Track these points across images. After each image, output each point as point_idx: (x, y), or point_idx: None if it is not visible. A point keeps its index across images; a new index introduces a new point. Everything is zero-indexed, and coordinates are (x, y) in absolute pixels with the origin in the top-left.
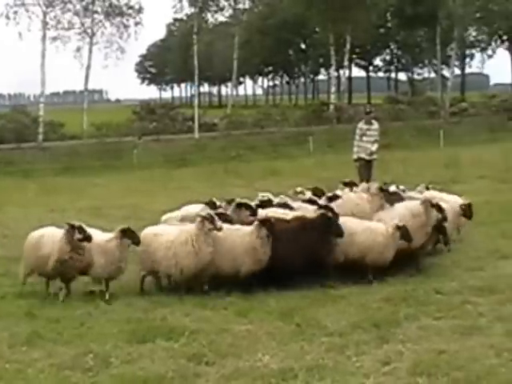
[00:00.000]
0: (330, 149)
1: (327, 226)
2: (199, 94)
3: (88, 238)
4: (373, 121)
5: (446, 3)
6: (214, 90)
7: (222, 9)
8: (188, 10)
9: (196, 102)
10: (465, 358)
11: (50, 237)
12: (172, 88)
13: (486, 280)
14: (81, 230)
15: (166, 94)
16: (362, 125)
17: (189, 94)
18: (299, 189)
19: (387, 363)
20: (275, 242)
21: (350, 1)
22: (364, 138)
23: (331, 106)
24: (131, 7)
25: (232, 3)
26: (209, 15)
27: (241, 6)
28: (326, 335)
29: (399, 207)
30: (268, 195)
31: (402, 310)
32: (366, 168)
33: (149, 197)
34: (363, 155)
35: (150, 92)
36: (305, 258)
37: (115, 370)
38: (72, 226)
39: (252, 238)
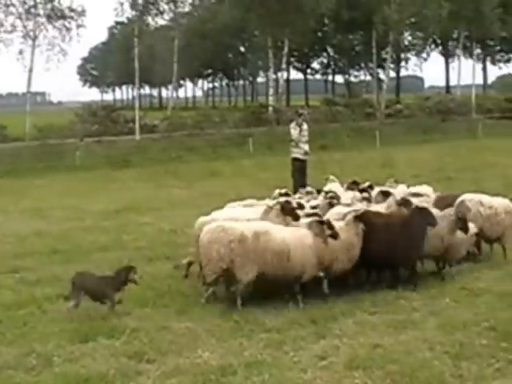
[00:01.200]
0: (269, 150)
1: (424, 219)
2: (140, 96)
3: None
4: (303, 122)
5: (382, 8)
6: (155, 92)
7: (162, 12)
8: (129, 13)
9: (137, 104)
10: (399, 351)
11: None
12: (114, 90)
13: (419, 276)
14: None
15: (108, 97)
16: (293, 125)
17: (130, 97)
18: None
19: (324, 358)
20: (375, 237)
21: (288, 5)
22: (301, 139)
23: (270, 108)
24: (73, 10)
25: (172, 7)
26: (149, 18)
27: (181, 9)
28: (265, 331)
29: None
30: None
31: (338, 306)
32: (302, 168)
33: (90, 198)
34: (299, 156)
35: (92, 94)
36: (402, 254)
37: (58, 369)
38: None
39: (350, 234)
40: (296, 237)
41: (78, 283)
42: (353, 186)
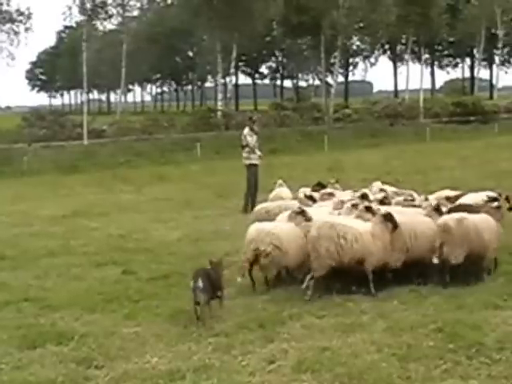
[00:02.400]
0: (217, 155)
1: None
2: (88, 100)
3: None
4: (255, 127)
5: (330, 13)
6: (104, 96)
7: (110, 16)
8: (77, 17)
9: (85, 108)
10: (347, 354)
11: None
12: (62, 95)
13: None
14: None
15: (57, 101)
16: (247, 131)
17: (79, 101)
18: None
19: (272, 361)
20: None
21: (237, 10)
22: (254, 144)
23: (218, 113)
24: (21, 13)
25: (121, 11)
26: (98, 23)
27: (129, 13)
28: (213, 336)
29: None
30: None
31: (287, 310)
32: (256, 173)
33: (38, 203)
34: (256, 161)
35: (41, 99)
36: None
37: (6, 377)
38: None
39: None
40: None
41: None
42: (316, 187)
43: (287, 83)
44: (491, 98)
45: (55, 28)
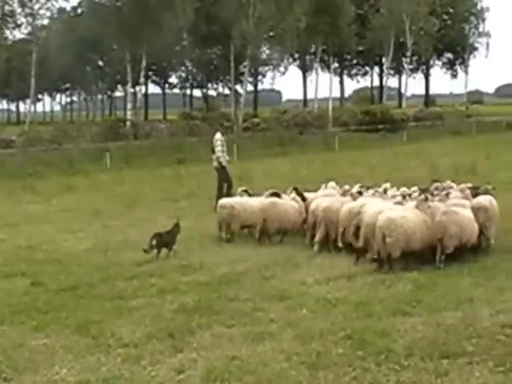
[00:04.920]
0: (126, 165)
1: None
2: None
3: None
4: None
5: (240, 22)
6: (13, 106)
7: (19, 25)
8: None
9: None
10: (256, 362)
11: None
12: None
13: (277, 287)
14: None
15: None
16: (220, 136)
17: None
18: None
19: (181, 371)
20: None
21: (146, 19)
22: (224, 148)
23: (128, 123)
24: None
25: (30, 20)
26: (7, 32)
27: (39, 22)
28: (122, 346)
29: None
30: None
31: (196, 320)
32: (227, 172)
33: None
34: (224, 163)
35: None
36: None
37: None
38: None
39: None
40: None
41: None
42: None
43: (197, 93)
44: (400, 106)
45: None
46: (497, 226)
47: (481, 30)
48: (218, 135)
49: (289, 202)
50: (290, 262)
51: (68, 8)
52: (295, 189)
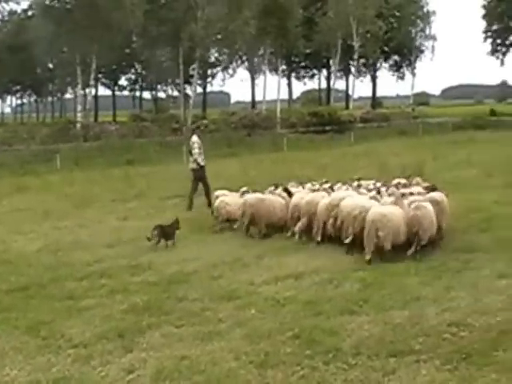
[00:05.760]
0: (77, 166)
1: None
2: None
3: None
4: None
5: (189, 25)
6: None
7: None
8: None
9: None
10: (206, 362)
11: None
12: None
13: (226, 287)
14: None
15: None
16: (196, 138)
17: None
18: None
19: (131, 371)
20: None
21: (96, 21)
22: (201, 150)
23: (78, 124)
24: None
25: None
26: None
27: None
28: (72, 347)
29: None
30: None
31: (145, 320)
32: (205, 173)
33: None
34: (202, 163)
35: None
36: None
37: None
38: None
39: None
40: None
41: None
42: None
43: (146, 95)
44: (347, 107)
45: None
46: (448, 222)
47: (427, 33)
48: (195, 138)
49: (277, 198)
50: (239, 262)
51: (19, 10)
52: (284, 188)
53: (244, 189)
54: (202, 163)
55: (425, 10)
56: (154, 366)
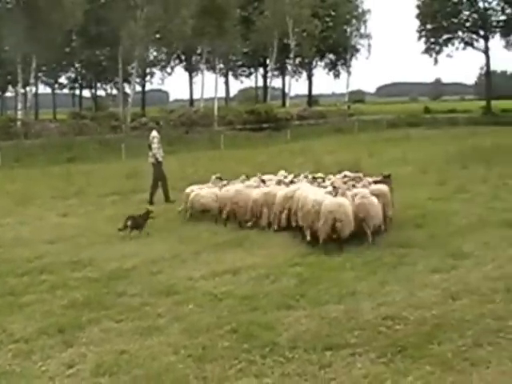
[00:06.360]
0: (17, 163)
1: None
2: None
3: None
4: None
5: (128, 24)
6: None
7: None
8: None
9: None
10: (145, 356)
11: None
12: None
13: (165, 282)
14: None
15: None
16: (156, 134)
17: None
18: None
19: (71, 366)
20: None
21: (35, 21)
22: (160, 145)
23: (18, 122)
24: None
25: None
26: None
27: None
28: (13, 342)
29: None
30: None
31: (85, 315)
32: (161, 167)
33: None
34: (161, 158)
35: None
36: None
37: None
38: None
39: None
40: None
41: None
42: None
43: (86, 93)
44: (284, 105)
45: None
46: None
47: (362, 31)
48: (155, 133)
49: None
50: (177, 258)
51: None
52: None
53: (215, 177)
54: (160, 158)
55: (360, 9)
56: (93, 360)
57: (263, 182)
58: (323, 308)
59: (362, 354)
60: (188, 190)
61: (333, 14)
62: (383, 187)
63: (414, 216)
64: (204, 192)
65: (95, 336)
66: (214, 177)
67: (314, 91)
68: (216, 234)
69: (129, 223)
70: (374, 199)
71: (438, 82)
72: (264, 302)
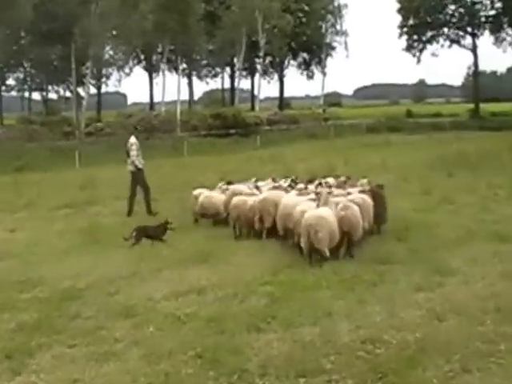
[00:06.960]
0: None
1: None
2: None
3: None
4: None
5: (81, 19)
6: None
7: None
8: None
9: None
10: None
11: None
12: None
13: (122, 303)
14: None
15: None
16: (134, 140)
17: None
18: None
19: None
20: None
21: None
22: (139, 152)
23: None
24: None
25: None
26: None
27: None
28: None
29: None
30: None
31: (35, 339)
32: (143, 175)
33: None
34: (140, 166)
35: None
36: None
37: None
38: None
39: None
40: None
41: None
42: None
43: (36, 95)
44: (253, 109)
45: None
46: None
47: (338, 28)
48: (133, 139)
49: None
50: (136, 276)
51: None
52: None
53: (221, 184)
54: (140, 166)
55: (336, 3)
56: None
57: (257, 188)
58: (296, 330)
59: (339, 381)
60: (196, 192)
61: (306, 8)
62: (360, 196)
63: (395, 229)
64: (214, 196)
65: (46, 363)
66: (221, 184)
67: (286, 93)
68: (178, 250)
69: (134, 234)
70: (356, 209)
71: (421, 83)
72: (232, 325)
